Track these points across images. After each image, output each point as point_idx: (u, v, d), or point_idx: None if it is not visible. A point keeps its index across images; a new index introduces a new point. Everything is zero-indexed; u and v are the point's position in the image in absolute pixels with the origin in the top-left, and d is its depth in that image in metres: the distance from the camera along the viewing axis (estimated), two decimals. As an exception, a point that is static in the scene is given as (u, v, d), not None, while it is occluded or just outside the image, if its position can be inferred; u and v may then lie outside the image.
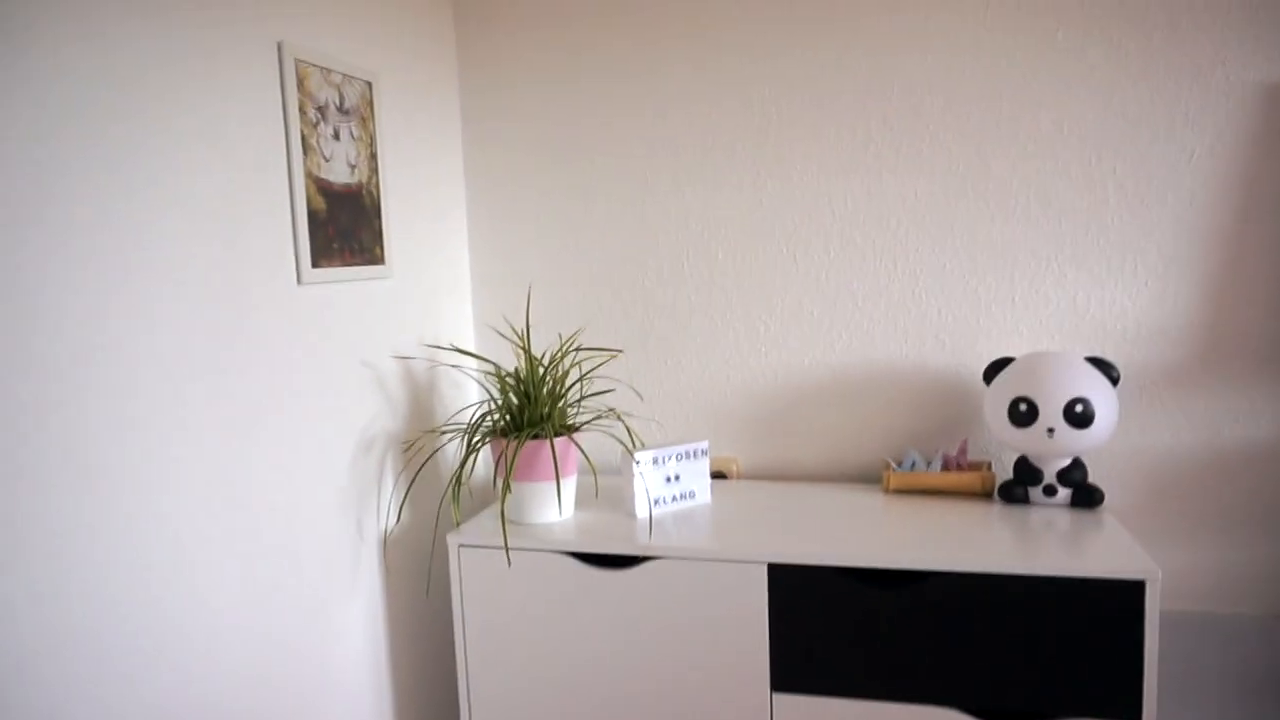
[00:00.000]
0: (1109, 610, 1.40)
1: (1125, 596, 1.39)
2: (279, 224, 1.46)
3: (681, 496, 1.78)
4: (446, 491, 1.95)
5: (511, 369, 1.99)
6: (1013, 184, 1.82)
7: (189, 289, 1.26)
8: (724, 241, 1.98)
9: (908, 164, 1.86)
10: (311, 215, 1.54)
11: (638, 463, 1.71)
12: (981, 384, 1.89)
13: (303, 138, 1.51)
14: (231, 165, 1.35)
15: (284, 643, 1.45)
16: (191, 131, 1.27)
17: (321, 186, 1.57)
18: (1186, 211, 1.75)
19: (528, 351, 1.74)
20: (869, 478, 1.97)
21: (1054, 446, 1.64)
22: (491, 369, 1.82)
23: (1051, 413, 1.62)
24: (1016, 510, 1.69)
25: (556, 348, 2.06)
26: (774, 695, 1.55)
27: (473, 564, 1.66)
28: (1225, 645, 1.79)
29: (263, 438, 1.41)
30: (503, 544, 1.63)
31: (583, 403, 1.98)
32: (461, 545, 1.67)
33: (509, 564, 1.64)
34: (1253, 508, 1.79)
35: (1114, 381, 1.66)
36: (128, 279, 1.17)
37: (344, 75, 1.63)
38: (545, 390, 1.74)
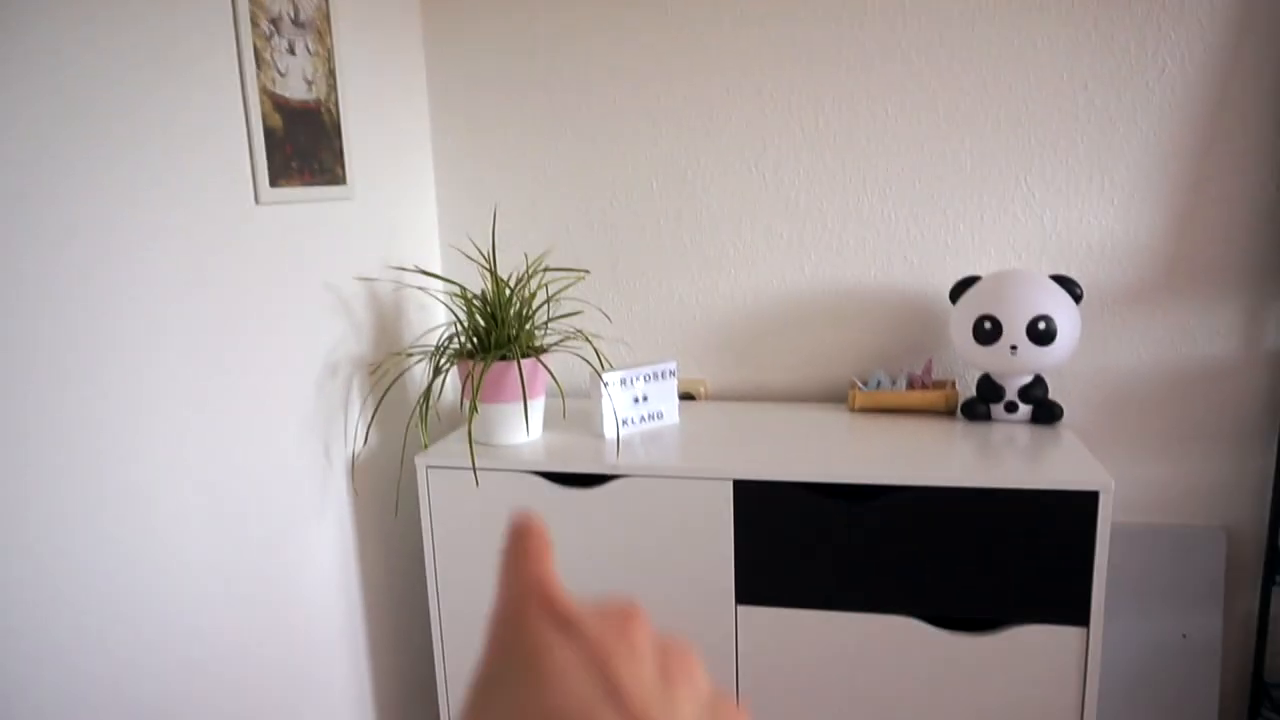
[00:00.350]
0: (1063, 521, 1.44)
1: (1079, 507, 1.43)
2: (234, 142, 1.42)
3: (649, 417, 1.79)
4: (413, 414, 1.95)
5: (478, 291, 1.97)
6: (983, 102, 1.80)
7: (141, 211, 1.23)
8: (693, 161, 1.95)
9: (879, 82, 1.84)
10: (268, 133, 1.50)
11: (605, 384, 1.72)
12: (948, 303, 1.90)
13: (255, 51, 1.46)
14: (181, 81, 1.30)
15: (253, 568, 1.46)
16: (136, 45, 1.22)
17: (278, 103, 1.52)
18: (1155, 129, 1.75)
19: (494, 273, 1.72)
20: (836, 398, 1.99)
21: (1017, 364, 1.66)
22: (457, 290, 1.80)
23: (1015, 330, 1.64)
24: (979, 427, 1.72)
25: (523, 269, 2.04)
26: (739, 608, 1.59)
27: (441, 485, 1.67)
28: (1172, 555, 1.85)
29: (225, 362, 1.39)
30: (470, 464, 1.64)
31: (550, 324, 1.98)
32: (429, 467, 1.67)
33: (477, 484, 1.65)
34: (1204, 424, 1.83)
35: (1077, 299, 1.68)
36: (74, 203, 1.13)
37: (297, -15, 1.57)
38: (512, 312, 1.73)
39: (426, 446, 1.74)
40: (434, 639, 1.73)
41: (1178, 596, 1.85)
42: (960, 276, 1.87)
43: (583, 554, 1.63)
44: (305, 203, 1.60)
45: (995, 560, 1.48)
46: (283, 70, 1.54)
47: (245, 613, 1.44)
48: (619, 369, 1.74)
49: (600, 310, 2.06)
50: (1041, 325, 1.62)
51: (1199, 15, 1.69)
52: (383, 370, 1.83)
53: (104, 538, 1.18)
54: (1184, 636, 1.86)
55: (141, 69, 1.23)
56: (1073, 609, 1.47)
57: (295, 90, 1.57)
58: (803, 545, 1.55)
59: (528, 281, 1.77)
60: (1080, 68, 1.75)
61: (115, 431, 1.20)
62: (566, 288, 2.04)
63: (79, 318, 1.14)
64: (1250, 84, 1.70)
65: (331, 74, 1.67)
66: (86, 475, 1.16)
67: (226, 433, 1.40)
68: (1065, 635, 1.47)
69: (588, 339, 1.77)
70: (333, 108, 1.68)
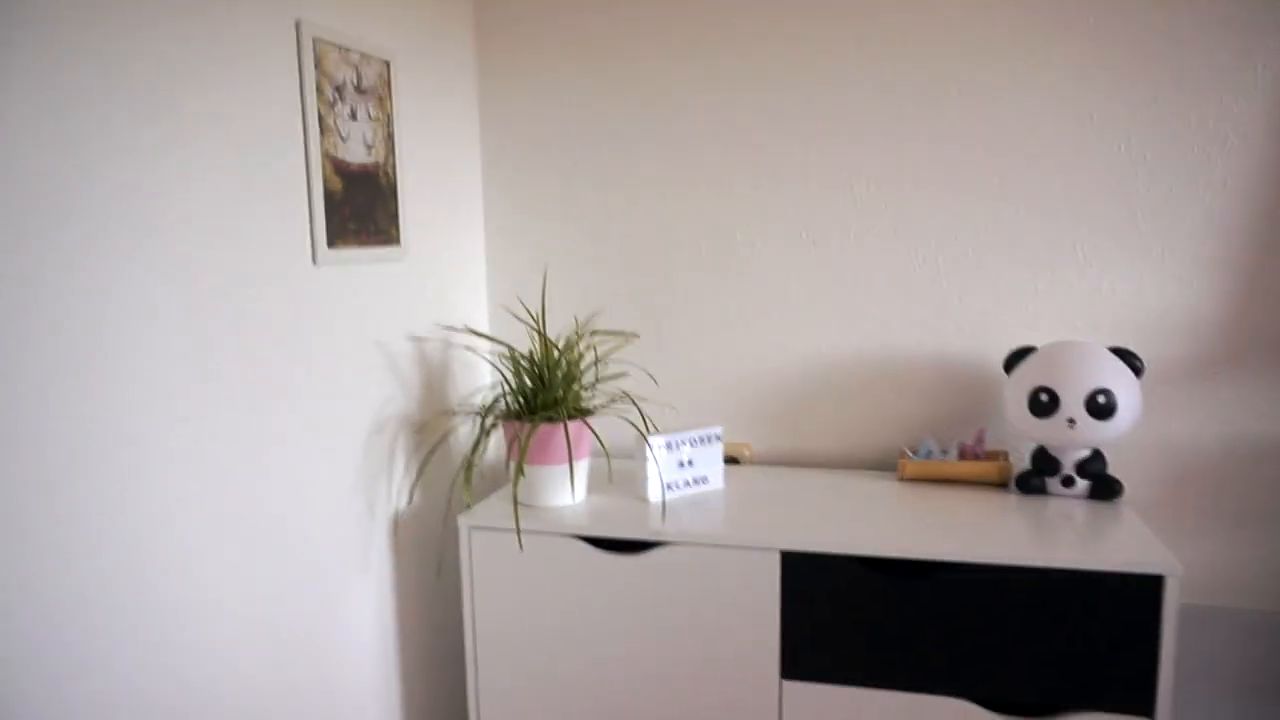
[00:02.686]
0: (1126, 605, 1.38)
1: (1143, 591, 1.37)
2: (295, 205, 1.45)
3: (694, 482, 1.77)
4: (459, 474, 1.95)
5: (526, 351, 1.98)
6: (1036, 171, 1.79)
7: (204, 272, 1.26)
8: (742, 226, 1.96)
9: (928, 151, 1.83)
10: (328, 196, 1.53)
11: (651, 447, 1.70)
12: (1000, 373, 1.86)
13: (320, 117, 1.50)
14: (247, 147, 1.34)
15: (293, 626, 1.46)
16: (205, 113, 1.26)
17: (338, 167, 1.56)
18: (1217, 201, 1.72)
19: (542, 334, 1.73)
20: (884, 466, 1.95)
21: (1075, 437, 1.61)
22: (505, 351, 1.82)
23: (1073, 403, 1.60)
24: (1033, 501, 1.67)
25: (571, 330, 2.05)
26: (784, 683, 1.55)
27: (484, 546, 1.66)
28: (1241, 641, 1.77)
29: (276, 419, 1.41)
30: (514, 526, 1.63)
31: (597, 386, 1.97)
32: (473, 527, 1.67)
33: (520, 547, 1.64)
34: (1271, 503, 1.76)
35: (1137, 372, 1.63)
36: (143, 263, 1.16)
37: (362, 54, 1.62)
38: (559, 373, 1.73)
39: (470, 506, 1.73)
40: (469, 703, 1.70)
41: (1252, 686, 1.76)
42: (1012, 347, 1.84)
43: (625, 622, 1.61)
44: (360, 263, 1.63)
45: (1053, 643, 1.42)
46: (344, 135, 1.58)
47: (283, 669, 1.43)
48: (664, 432, 1.73)
49: (646, 372, 2.05)
50: (1101, 399, 1.58)
51: (1260, 88, 1.67)
52: (429, 429, 1.84)
53: (149, 592, 1.19)
54: (1254, 728, 1.76)
55: (211, 136, 1.27)
56: (1137, 697, 1.40)
57: (355, 154, 1.61)
58: (851, 620, 1.50)
59: (576, 343, 1.77)
60: (1136, 139, 1.73)
61: (167, 486, 1.21)
62: (614, 349, 2.04)
63: (139, 372, 1.16)
64: (1314, 156, 1.66)
65: (390, 138, 1.72)
66: (132, 535, 1.17)
67: (274, 488, 1.41)
68: (1129, 726, 1.40)
69: (634, 401, 1.76)
70: (390, 170, 1.72)
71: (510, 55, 2.03)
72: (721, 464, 1.80)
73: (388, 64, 1.70)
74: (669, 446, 1.73)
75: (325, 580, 1.53)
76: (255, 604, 1.37)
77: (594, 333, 1.91)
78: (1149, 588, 1.37)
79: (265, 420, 1.38)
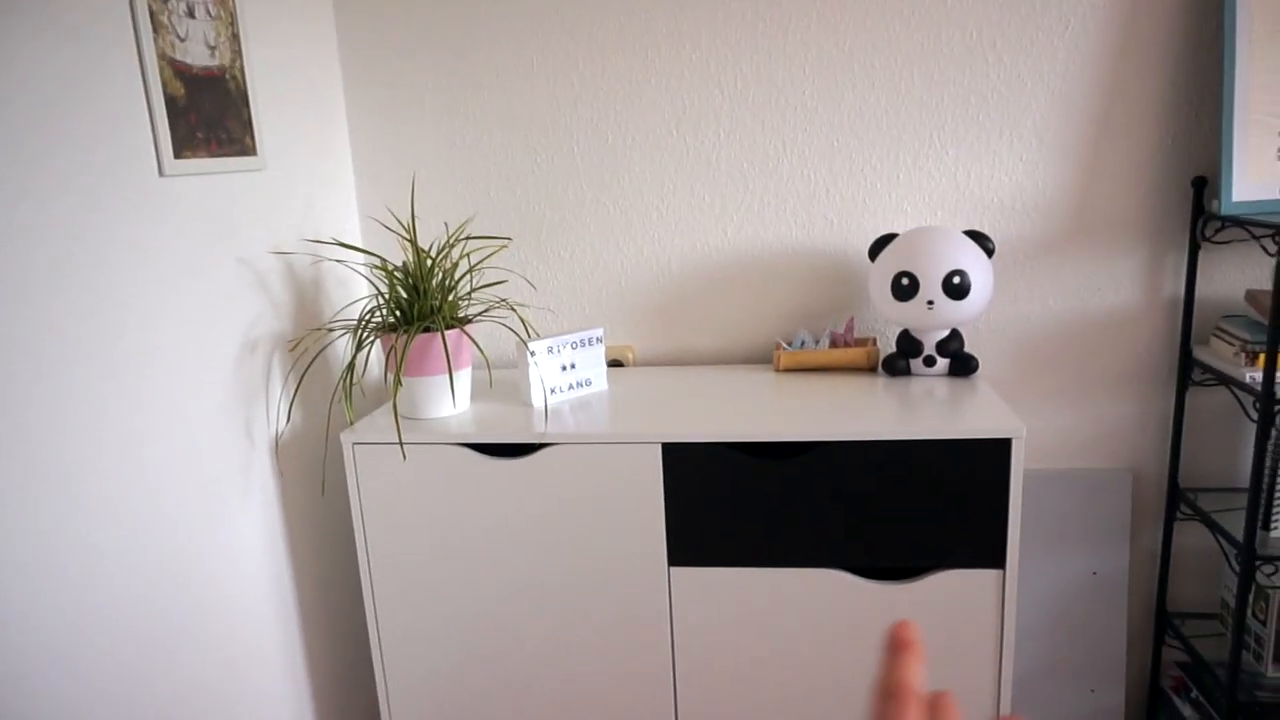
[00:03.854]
0: (980, 468, 1.50)
1: (994, 455, 1.49)
2: (134, 111, 1.36)
3: (577, 385, 1.79)
4: (337, 389, 1.91)
5: (399, 262, 1.93)
6: (896, 60, 1.83)
7: (34, 186, 1.17)
8: (614, 125, 1.94)
9: (796, 42, 1.85)
10: (170, 101, 1.43)
11: (532, 353, 1.71)
12: (867, 261, 1.93)
13: (151, 14, 1.40)
14: (72, 47, 1.24)
15: (177, 556, 1.43)
16: (23, 11, 1.15)
17: (179, 69, 1.46)
18: (1060, 85, 1.80)
19: (414, 243, 1.69)
20: (762, 358, 2.02)
21: (934, 318, 1.70)
22: (378, 263, 1.76)
23: (931, 285, 1.68)
24: (899, 381, 1.76)
25: (444, 238, 2.01)
26: (671, 569, 1.62)
27: (368, 461, 1.65)
28: (1083, 497, 1.94)
29: (133, 343, 1.34)
30: (397, 439, 1.62)
31: (474, 294, 1.95)
32: (356, 443, 1.65)
33: (404, 458, 1.63)
34: (1109, 371, 1.91)
35: (989, 253, 1.73)
36: (-42, 170, 1.07)
37: (192, -55, 1.50)
38: (434, 283, 1.70)
39: (352, 423, 1.71)
40: (368, 618, 1.72)
41: (1088, 536, 1.95)
42: (878, 234, 1.91)
43: (514, 524, 1.64)
44: (213, 174, 1.54)
45: (917, 510, 1.53)
46: (182, 35, 1.47)
47: (169, 600, 1.41)
48: (546, 337, 1.73)
49: (525, 278, 2.04)
50: (956, 280, 1.67)
51: (1099, -26, 1.74)
52: (303, 347, 1.79)
53: (10, 533, 1.14)
54: (1094, 574, 1.95)
55: (30, 34, 1.17)
56: (990, 553, 1.53)
57: (197, 56, 1.51)
58: (732, 505, 1.57)
59: (449, 251, 1.74)
60: (989, 26, 1.79)
61: (13, 421, 1.15)
62: (489, 256, 2.02)
63: (-29, 300, 1.09)
64: (1147, 42, 1.76)
65: (235, 39, 1.61)
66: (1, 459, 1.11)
67: (138, 418, 1.35)
68: (983, 578, 1.53)
69: (513, 308, 1.75)
70: (238, 74, 1.62)
71: (361, -52, 1.92)
72: (604, 366, 1.82)
73: (224, -43, 1.58)
74: (550, 351, 1.74)
75: (205, 510, 1.50)
76: (135, 541, 1.33)
77: (468, 239, 1.88)
78: (999, 451, 1.48)
79: (120, 346, 1.32)
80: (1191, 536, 1.96)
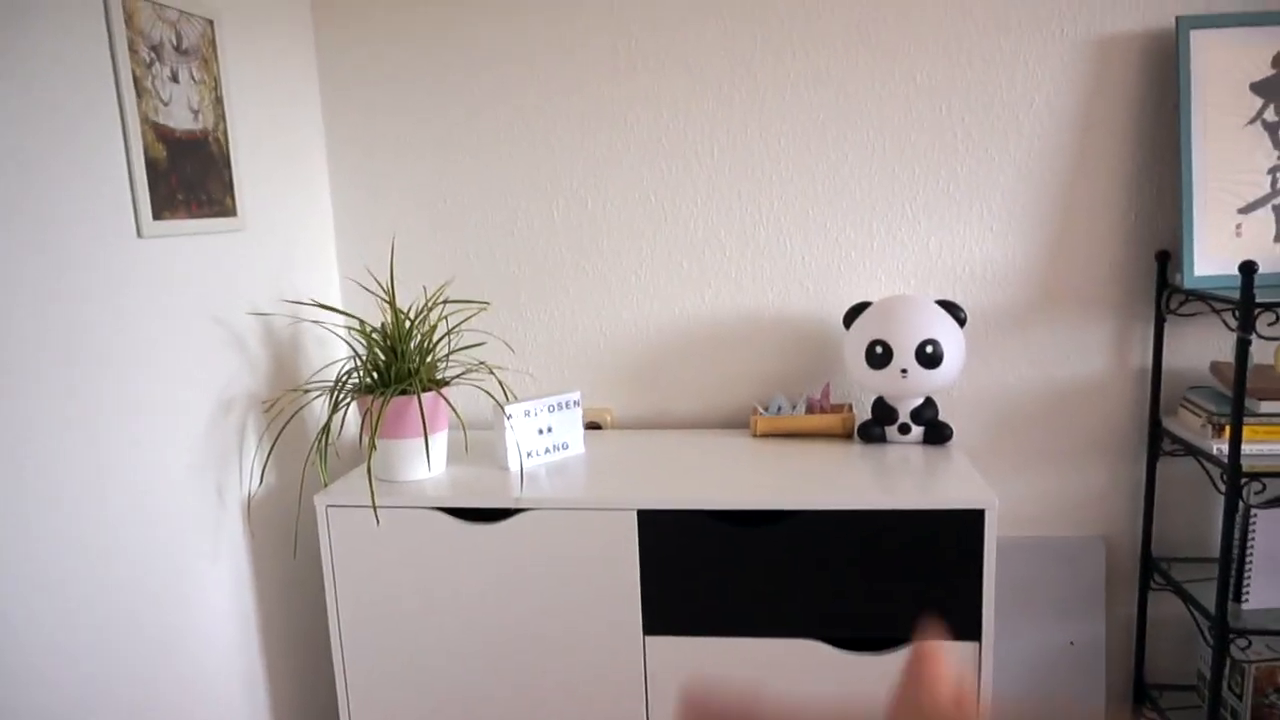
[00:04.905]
0: (954, 538, 1.50)
1: (967, 524, 1.49)
2: (114, 173, 1.36)
3: (555, 448, 1.79)
4: (311, 451, 1.90)
5: (378, 324, 1.94)
6: (869, 133, 1.88)
7: (12, 246, 1.17)
8: (593, 191, 1.97)
9: (771, 113, 1.89)
10: (151, 164, 1.44)
11: (509, 415, 1.70)
12: (843, 328, 1.96)
13: (135, 80, 1.41)
14: (55, 111, 1.25)
15: (144, 620, 1.39)
16: (5, 76, 1.17)
17: (161, 133, 1.48)
18: (1026, 160, 1.85)
19: (393, 305, 1.70)
20: (739, 423, 2.02)
21: (907, 386, 1.72)
22: (356, 324, 1.77)
23: (905, 354, 1.70)
24: (874, 449, 1.77)
25: (423, 301, 2.02)
26: (646, 639, 1.60)
27: (342, 524, 1.63)
28: (1057, 565, 1.94)
29: (106, 402, 1.33)
30: (371, 503, 1.60)
31: (452, 357, 1.95)
32: (329, 506, 1.63)
33: (378, 523, 1.61)
34: (1081, 439, 1.94)
35: (961, 323, 1.75)
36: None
37: (180, 12, 1.53)
38: (413, 345, 1.70)
39: (326, 485, 1.69)
40: (338, 682, 1.68)
41: (1063, 605, 1.94)
42: (853, 302, 1.94)
43: (488, 590, 1.61)
44: (193, 235, 1.54)
45: (892, 580, 1.53)
46: (166, 99, 1.49)
47: (132, 661, 1.37)
48: (523, 400, 1.73)
49: (503, 341, 2.05)
50: (929, 349, 1.69)
51: (1061, 53, 1.80)
52: (279, 407, 1.78)
53: (-31, 596, 1.11)
54: (1071, 644, 1.94)
55: (10, 98, 1.18)
56: (965, 624, 1.52)
57: (180, 120, 1.52)
58: (707, 573, 1.56)
59: (427, 314, 1.75)
60: (957, 100, 1.84)
61: (-19, 482, 1.13)
62: (468, 319, 2.02)
63: (-61, 362, 1.08)
64: (1109, 117, 1.82)
65: (219, 102, 1.63)
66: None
67: (108, 477, 1.33)
68: (959, 651, 1.53)
69: (491, 371, 1.76)
70: (221, 137, 1.63)
71: (348, 17, 1.96)
72: (581, 429, 1.82)
73: (211, 23, 1.61)
74: (527, 414, 1.74)
75: (173, 572, 1.47)
76: (98, 603, 1.30)
77: (446, 301, 1.88)
78: (972, 521, 1.49)
79: (96, 405, 1.30)
80: (1166, 606, 1.97)
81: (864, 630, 1.55)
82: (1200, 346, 1.87)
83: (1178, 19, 1.70)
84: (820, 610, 1.55)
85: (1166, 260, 1.82)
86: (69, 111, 1.28)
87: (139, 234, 1.41)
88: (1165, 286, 1.82)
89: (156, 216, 1.45)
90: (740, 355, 1.99)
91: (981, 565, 1.50)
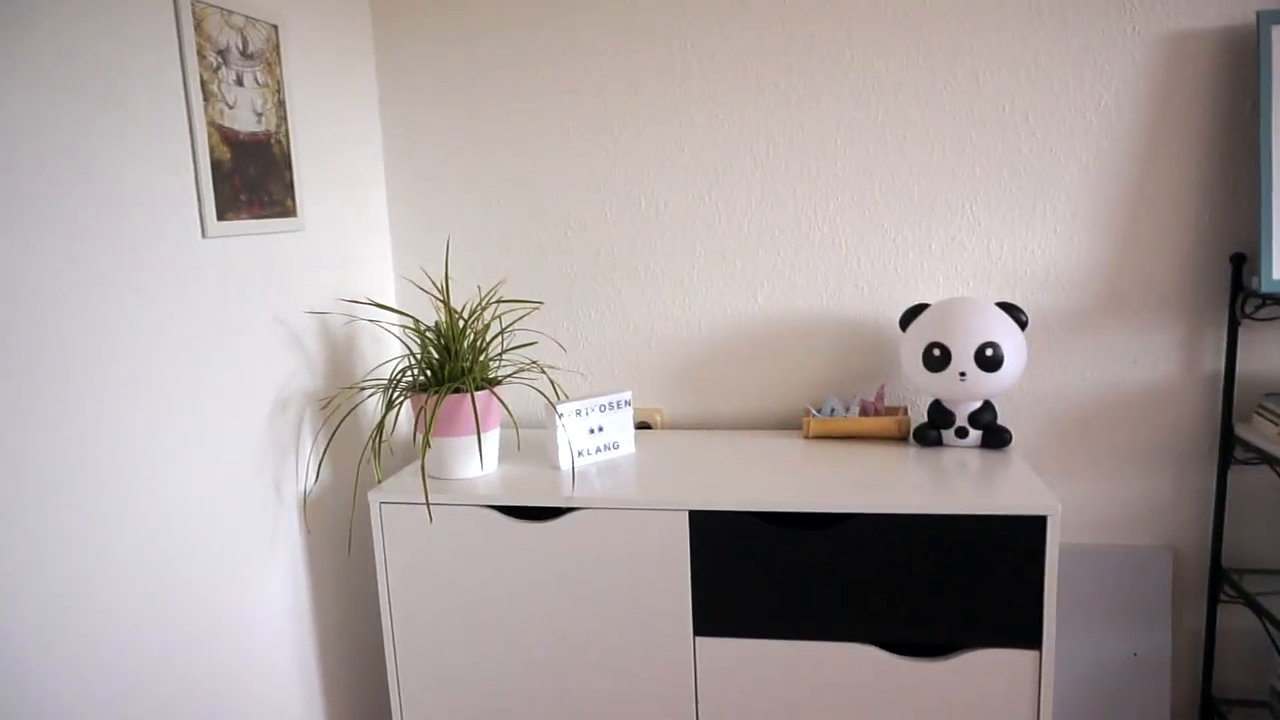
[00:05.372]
0: (1013, 544, 1.46)
1: (1028, 531, 1.45)
2: (181, 175, 1.40)
3: (605, 448, 1.79)
4: (365, 448, 1.92)
5: (432, 323, 1.96)
6: (928, 133, 1.84)
7: (85, 247, 1.21)
8: (647, 190, 1.96)
9: (828, 112, 1.87)
10: (215, 165, 1.48)
11: (560, 415, 1.71)
12: (898, 330, 1.92)
13: (203, 83, 1.45)
14: (126, 113, 1.28)
15: (202, 611, 1.42)
16: (79, 77, 1.20)
17: (225, 135, 1.51)
18: (1093, 160, 1.80)
19: (447, 304, 1.71)
20: (791, 425, 2.00)
21: (966, 389, 1.68)
22: (411, 323, 1.79)
23: (963, 356, 1.66)
24: (930, 452, 1.74)
25: (477, 300, 2.03)
26: (697, 639, 1.59)
27: (395, 521, 1.65)
28: (1121, 575, 1.89)
29: (172, 400, 1.36)
30: (424, 500, 1.62)
31: (505, 356, 1.97)
32: (383, 502, 1.65)
33: (430, 519, 1.63)
34: (1148, 445, 1.87)
35: (1022, 325, 1.71)
36: (18, 240, 1.11)
37: (246, 18, 1.56)
38: (466, 344, 1.72)
39: (380, 481, 1.71)
40: (389, 678, 1.70)
41: (1128, 615, 1.88)
42: (910, 304, 1.90)
43: (539, 588, 1.62)
44: (254, 235, 1.58)
45: (949, 585, 1.49)
46: (231, 102, 1.52)
47: (193, 661, 1.40)
48: (574, 400, 1.73)
49: (555, 340, 2.05)
50: (989, 352, 1.65)
51: (1133, 50, 1.75)
52: (334, 404, 1.81)
53: (42, 583, 1.14)
54: (1135, 655, 1.89)
55: (84, 102, 1.21)
56: (1025, 632, 1.48)
57: (244, 122, 1.56)
58: (759, 575, 1.55)
59: (481, 313, 1.76)
60: (1021, 100, 1.80)
61: (60, 467, 1.16)
62: (521, 318, 2.03)
63: (25, 347, 1.11)
64: (1182, 115, 1.76)
65: (281, 105, 1.66)
66: (30, 509, 1.12)
67: (173, 472, 1.37)
68: (1018, 658, 1.49)
69: (543, 370, 1.76)
70: (283, 139, 1.66)
71: (407, 18, 1.99)
72: (632, 429, 1.81)
73: (275, 28, 1.64)
74: (579, 413, 1.74)
75: (233, 565, 1.50)
76: (161, 593, 1.33)
77: (500, 301, 1.90)
78: (1033, 528, 1.45)
79: (160, 401, 1.34)
80: (1238, 619, 1.89)
81: (919, 636, 1.52)
82: (1277, 352, 1.80)
83: (1259, 14, 1.64)
84: (874, 615, 1.52)
85: (1242, 263, 1.75)
86: (139, 115, 1.31)
87: (204, 234, 1.45)
88: (1240, 290, 1.75)
89: (220, 217, 1.49)
90: (793, 356, 1.97)
91: (1043, 573, 1.46)
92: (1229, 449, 1.80)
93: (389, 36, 2.00)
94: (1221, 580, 1.84)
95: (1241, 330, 1.80)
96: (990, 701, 1.51)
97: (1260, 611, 1.68)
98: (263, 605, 1.59)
